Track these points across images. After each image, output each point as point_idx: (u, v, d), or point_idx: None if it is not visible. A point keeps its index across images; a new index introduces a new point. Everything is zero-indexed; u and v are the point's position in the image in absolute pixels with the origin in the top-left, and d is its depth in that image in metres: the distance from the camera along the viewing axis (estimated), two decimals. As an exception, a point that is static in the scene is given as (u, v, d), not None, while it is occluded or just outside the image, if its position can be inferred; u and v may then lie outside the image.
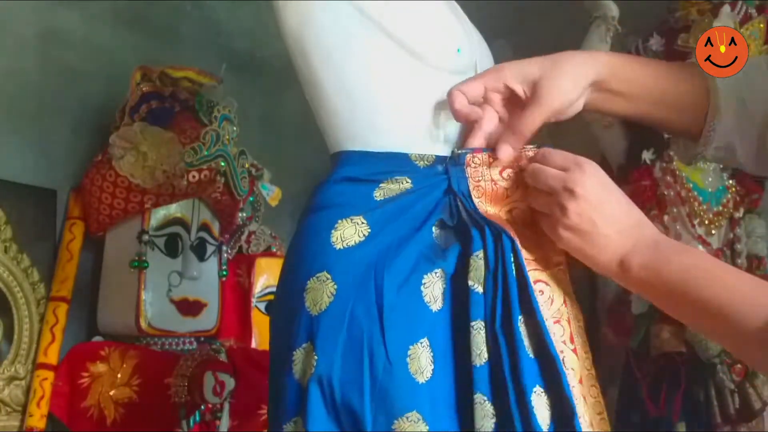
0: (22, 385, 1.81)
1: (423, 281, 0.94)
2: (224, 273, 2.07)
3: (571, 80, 0.98)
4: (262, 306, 2.15)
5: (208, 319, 2.00)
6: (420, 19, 1.10)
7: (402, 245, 0.96)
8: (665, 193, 1.84)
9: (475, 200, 0.99)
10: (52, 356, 1.82)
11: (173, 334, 1.93)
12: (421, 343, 0.92)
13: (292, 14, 1.08)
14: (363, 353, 0.91)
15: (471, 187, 0.99)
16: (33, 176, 1.91)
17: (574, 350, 0.97)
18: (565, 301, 0.99)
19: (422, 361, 0.91)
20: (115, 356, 1.82)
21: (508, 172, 1.00)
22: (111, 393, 1.78)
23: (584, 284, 2.43)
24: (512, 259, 0.94)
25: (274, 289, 1.65)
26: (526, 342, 0.91)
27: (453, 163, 1.01)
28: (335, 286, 0.94)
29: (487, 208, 0.99)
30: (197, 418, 1.77)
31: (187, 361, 1.74)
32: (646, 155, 1.84)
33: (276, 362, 0.98)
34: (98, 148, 1.95)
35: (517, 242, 0.95)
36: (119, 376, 1.79)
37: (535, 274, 0.97)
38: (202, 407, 1.77)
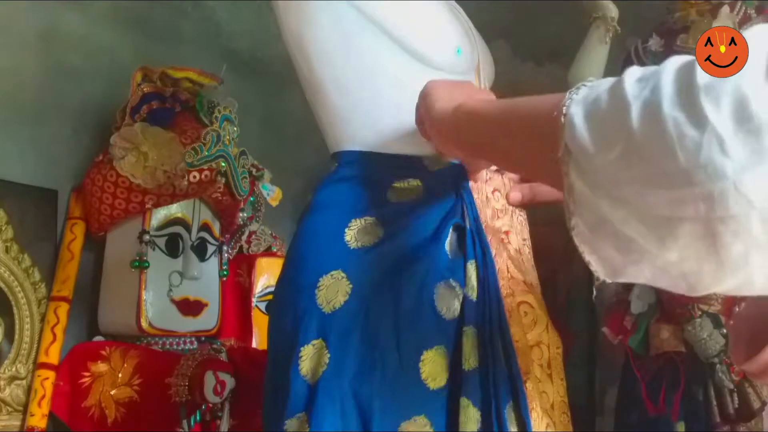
0: (23, 384, 1.81)
1: (436, 290, 0.95)
2: (225, 273, 2.07)
3: None
4: (262, 306, 2.15)
5: (208, 319, 2.00)
6: (420, 20, 1.10)
7: (417, 252, 0.97)
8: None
9: (478, 211, 1.02)
10: (53, 356, 1.82)
11: (174, 333, 1.94)
12: (437, 350, 0.93)
13: (293, 15, 1.08)
14: (375, 355, 0.92)
15: (474, 197, 1.03)
16: (34, 176, 1.91)
17: (550, 375, 1.00)
18: (547, 327, 1.02)
19: (436, 367, 0.92)
20: (116, 356, 1.83)
21: (498, 194, 1.05)
22: (112, 392, 1.79)
23: (583, 284, 2.43)
24: (494, 275, 0.97)
25: (274, 289, 1.66)
26: (502, 356, 0.93)
27: (463, 173, 1.04)
28: (350, 286, 0.95)
29: (487, 219, 1.03)
30: (198, 418, 1.77)
31: (187, 360, 1.74)
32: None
33: (278, 358, 0.98)
34: (99, 148, 1.96)
35: (495, 260, 0.98)
36: (120, 375, 1.80)
37: (522, 295, 1.01)
38: (203, 407, 1.77)
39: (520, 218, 1.09)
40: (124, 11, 2.16)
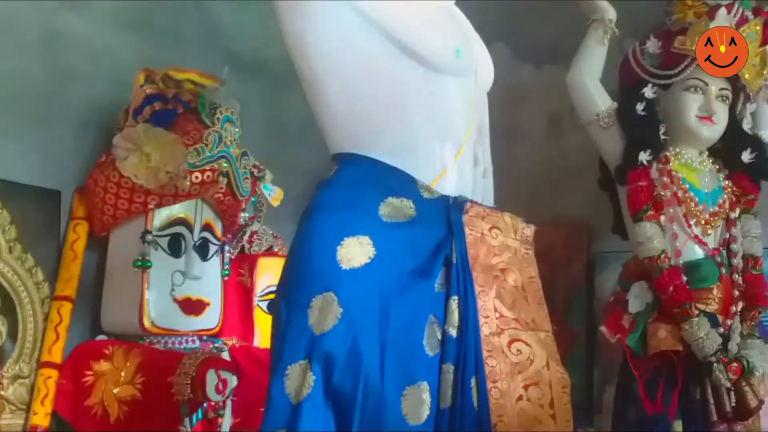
0: (27, 383, 1.82)
1: (425, 327, 0.98)
2: (227, 272, 2.09)
3: None
4: (264, 305, 2.17)
5: (210, 318, 2.01)
6: (419, 21, 1.12)
7: (408, 284, 0.99)
8: (662, 193, 1.86)
9: (469, 246, 1.04)
10: (56, 355, 1.84)
11: (176, 332, 1.95)
12: (419, 386, 0.96)
13: (293, 16, 1.10)
14: (358, 384, 0.94)
15: (466, 233, 1.04)
16: (37, 177, 1.93)
17: (553, 416, 1.00)
18: (548, 364, 1.02)
19: (417, 403, 0.94)
20: (119, 355, 1.84)
21: (496, 232, 1.07)
22: (115, 391, 1.80)
23: (582, 283, 2.45)
24: (474, 313, 0.99)
25: (275, 288, 1.67)
26: (474, 396, 0.95)
27: (455, 207, 1.05)
28: (341, 310, 0.97)
29: (481, 256, 1.04)
30: (200, 416, 1.79)
31: (189, 359, 1.75)
32: (643, 156, 1.86)
33: (271, 367, 1.00)
34: (102, 149, 1.97)
35: (478, 303, 1.00)
36: (123, 374, 1.81)
37: (513, 332, 1.02)
38: (205, 405, 1.79)
39: (525, 255, 1.10)
40: (126, 13, 2.17)
